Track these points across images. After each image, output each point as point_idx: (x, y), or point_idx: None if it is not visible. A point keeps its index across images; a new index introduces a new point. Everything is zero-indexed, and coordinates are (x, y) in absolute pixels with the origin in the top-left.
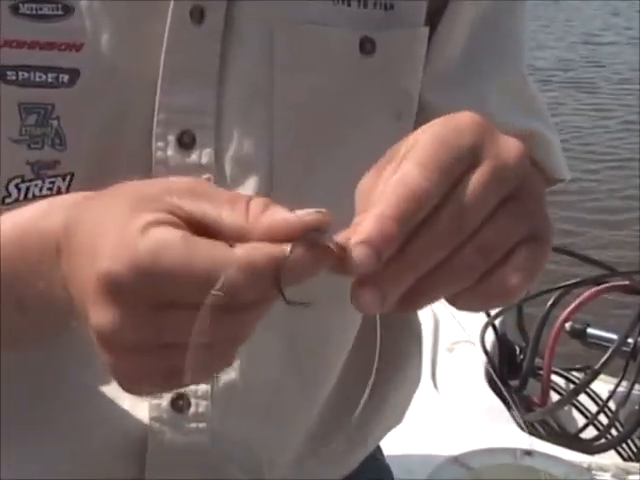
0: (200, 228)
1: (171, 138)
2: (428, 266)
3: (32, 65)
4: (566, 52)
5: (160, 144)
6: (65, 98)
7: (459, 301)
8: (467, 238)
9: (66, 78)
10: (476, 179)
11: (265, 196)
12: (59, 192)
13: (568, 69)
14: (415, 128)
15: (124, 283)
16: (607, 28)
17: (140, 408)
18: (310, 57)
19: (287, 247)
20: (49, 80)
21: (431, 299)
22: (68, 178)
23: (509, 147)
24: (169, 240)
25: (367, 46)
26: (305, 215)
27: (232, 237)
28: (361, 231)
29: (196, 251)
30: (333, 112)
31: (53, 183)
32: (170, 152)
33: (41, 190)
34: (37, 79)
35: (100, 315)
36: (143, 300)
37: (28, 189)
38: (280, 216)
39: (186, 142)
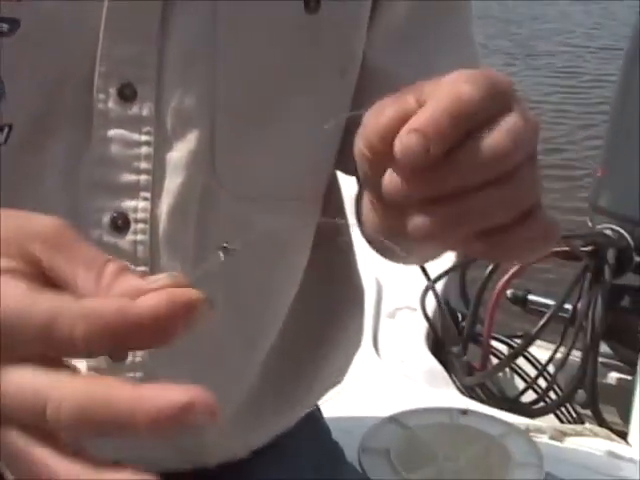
0: (53, 281)
1: (112, 90)
2: (472, 179)
3: None
4: None
5: (101, 96)
6: (4, 47)
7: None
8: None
9: (5, 27)
10: (518, 117)
11: (208, 150)
12: None
13: None
14: (361, 89)
15: None
16: None
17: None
18: (254, 14)
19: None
20: None
21: (470, 227)
22: (6, 129)
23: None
24: (10, 290)
25: (312, 4)
26: (157, 283)
27: None
28: (414, 121)
29: (37, 301)
30: (277, 68)
31: None
32: (111, 104)
33: None
34: None
35: None
36: None
37: None
38: (131, 286)
39: (127, 94)
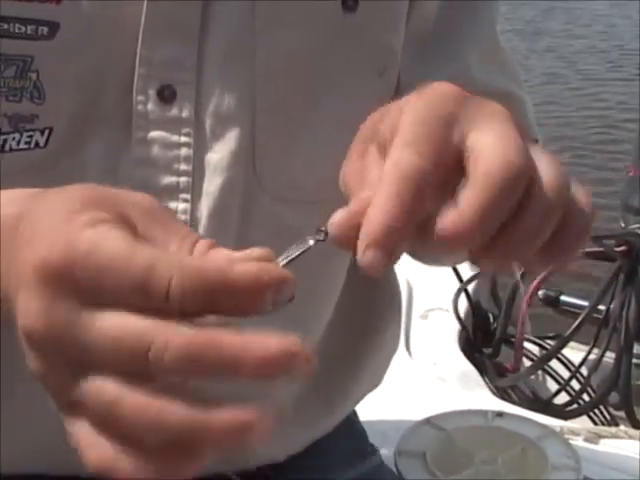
0: None
1: (152, 92)
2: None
3: (11, 16)
4: None
5: (141, 98)
6: (44, 51)
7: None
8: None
9: (45, 30)
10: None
11: (248, 151)
12: (37, 146)
13: None
14: (399, 89)
15: (58, 273)
16: None
17: None
18: (292, 13)
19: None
20: (28, 32)
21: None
22: (47, 132)
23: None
24: (112, 237)
25: (349, 3)
26: (250, 256)
27: None
28: (368, 233)
29: (137, 249)
30: (316, 68)
31: (31, 137)
32: (150, 106)
33: (19, 143)
34: (16, 30)
35: (29, 307)
36: (76, 294)
37: (5, 141)
38: (225, 256)
39: (166, 96)
